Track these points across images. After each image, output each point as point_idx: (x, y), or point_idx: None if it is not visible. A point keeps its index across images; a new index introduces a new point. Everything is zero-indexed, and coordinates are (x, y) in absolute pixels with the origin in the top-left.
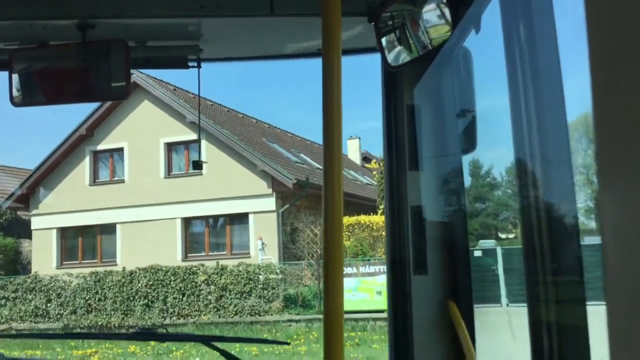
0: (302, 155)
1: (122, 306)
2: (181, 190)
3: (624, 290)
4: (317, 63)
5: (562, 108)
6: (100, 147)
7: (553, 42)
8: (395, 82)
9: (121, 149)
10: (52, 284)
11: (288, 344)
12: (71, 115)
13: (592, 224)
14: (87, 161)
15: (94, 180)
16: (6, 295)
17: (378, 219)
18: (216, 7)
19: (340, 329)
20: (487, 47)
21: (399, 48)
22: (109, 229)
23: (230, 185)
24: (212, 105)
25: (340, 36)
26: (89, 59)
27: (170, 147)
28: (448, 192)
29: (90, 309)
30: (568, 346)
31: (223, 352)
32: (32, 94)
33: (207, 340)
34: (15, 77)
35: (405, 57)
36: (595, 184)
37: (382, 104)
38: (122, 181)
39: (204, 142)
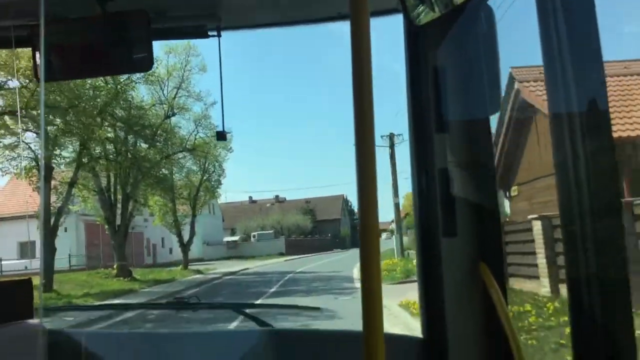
0: None
1: None
2: None
3: None
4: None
5: (599, 65)
6: None
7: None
8: (417, 44)
9: None
10: None
11: (319, 309)
12: None
13: None
14: None
15: None
16: None
17: None
18: None
19: (380, 299)
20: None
21: (421, 7)
22: None
23: None
24: None
25: None
26: (109, 31)
27: None
28: (475, 153)
29: None
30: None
31: (254, 318)
32: (55, 69)
33: (238, 308)
34: (37, 53)
35: (428, 16)
36: None
37: (405, 66)
38: None
39: None
